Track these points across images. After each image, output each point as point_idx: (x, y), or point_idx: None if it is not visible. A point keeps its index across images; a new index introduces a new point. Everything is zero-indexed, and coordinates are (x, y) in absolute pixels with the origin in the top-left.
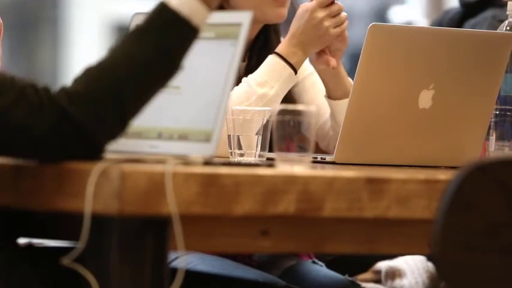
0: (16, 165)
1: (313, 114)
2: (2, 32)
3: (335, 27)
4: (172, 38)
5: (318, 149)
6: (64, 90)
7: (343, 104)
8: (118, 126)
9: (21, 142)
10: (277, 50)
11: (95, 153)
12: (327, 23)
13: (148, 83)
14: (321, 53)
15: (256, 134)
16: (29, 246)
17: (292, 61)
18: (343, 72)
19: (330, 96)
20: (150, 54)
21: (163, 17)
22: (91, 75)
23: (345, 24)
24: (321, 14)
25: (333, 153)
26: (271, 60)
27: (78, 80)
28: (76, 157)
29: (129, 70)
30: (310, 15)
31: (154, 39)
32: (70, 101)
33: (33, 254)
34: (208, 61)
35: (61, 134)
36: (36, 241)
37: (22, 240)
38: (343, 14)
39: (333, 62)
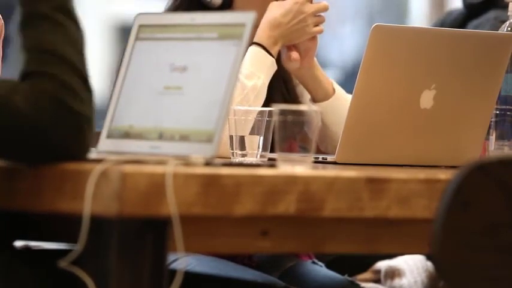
0: (14, 167)
1: (315, 114)
2: (3, 32)
3: (315, 25)
4: None
5: (319, 151)
6: (37, 86)
7: (325, 106)
8: (90, 93)
9: (20, 132)
10: (258, 39)
11: (91, 135)
12: (310, 20)
13: (77, 44)
14: (288, 49)
15: (258, 134)
16: (27, 248)
17: (272, 51)
18: (319, 73)
19: (312, 99)
20: (57, 19)
21: None
22: (39, 71)
23: (323, 25)
24: (308, 9)
25: (335, 154)
26: (253, 51)
27: (34, 81)
28: (76, 145)
29: (59, 45)
30: (299, 8)
31: (49, 6)
32: (57, 90)
33: (31, 257)
34: (210, 61)
35: (59, 122)
36: (34, 243)
37: (19, 243)
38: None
39: (294, 54)
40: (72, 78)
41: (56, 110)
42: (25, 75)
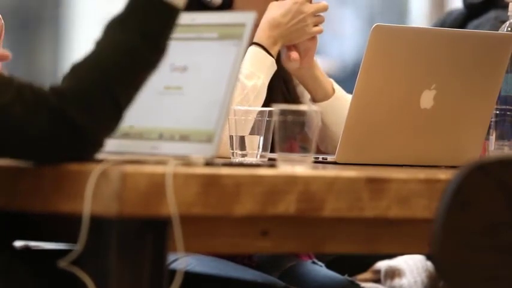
0: (14, 167)
1: (315, 114)
2: (3, 32)
3: (314, 25)
4: (153, 20)
5: (319, 151)
6: (55, 89)
7: (325, 106)
8: (113, 118)
9: (17, 142)
10: (258, 40)
11: (94, 149)
12: (309, 20)
13: (136, 70)
14: (288, 49)
15: (258, 134)
16: (27, 248)
17: (272, 51)
18: (319, 73)
19: (312, 99)
20: (134, 40)
21: (142, 0)
22: (79, 70)
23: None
24: (308, 9)
25: (335, 154)
26: (253, 51)
27: (67, 78)
28: (75, 155)
29: (115, 59)
30: (298, 8)
31: (137, 24)
32: (62, 100)
33: (31, 257)
34: (211, 61)
35: (57, 134)
36: (33, 244)
37: (19, 243)
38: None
39: (294, 54)
40: (99, 100)
41: (54, 122)
42: (71, 66)
